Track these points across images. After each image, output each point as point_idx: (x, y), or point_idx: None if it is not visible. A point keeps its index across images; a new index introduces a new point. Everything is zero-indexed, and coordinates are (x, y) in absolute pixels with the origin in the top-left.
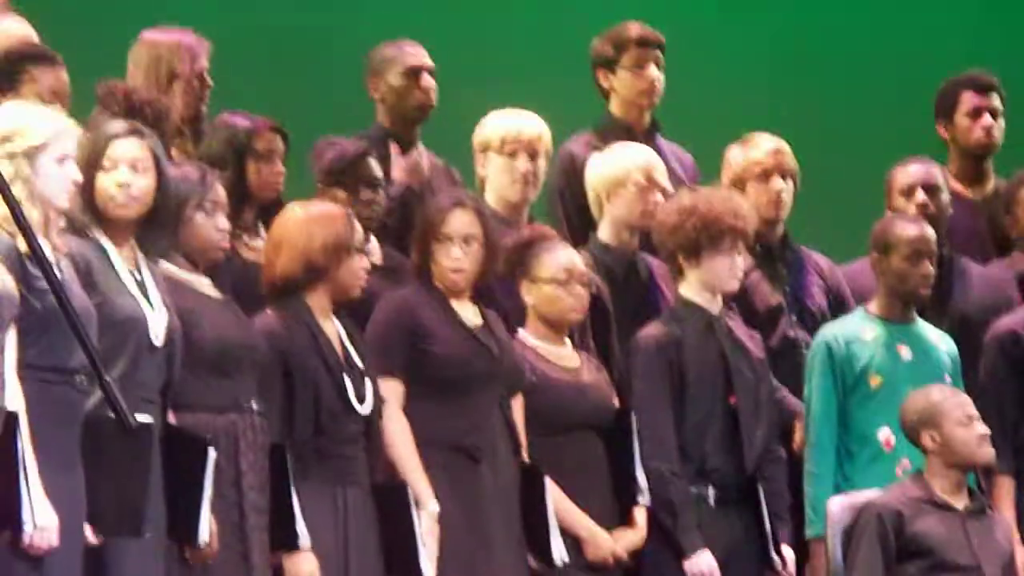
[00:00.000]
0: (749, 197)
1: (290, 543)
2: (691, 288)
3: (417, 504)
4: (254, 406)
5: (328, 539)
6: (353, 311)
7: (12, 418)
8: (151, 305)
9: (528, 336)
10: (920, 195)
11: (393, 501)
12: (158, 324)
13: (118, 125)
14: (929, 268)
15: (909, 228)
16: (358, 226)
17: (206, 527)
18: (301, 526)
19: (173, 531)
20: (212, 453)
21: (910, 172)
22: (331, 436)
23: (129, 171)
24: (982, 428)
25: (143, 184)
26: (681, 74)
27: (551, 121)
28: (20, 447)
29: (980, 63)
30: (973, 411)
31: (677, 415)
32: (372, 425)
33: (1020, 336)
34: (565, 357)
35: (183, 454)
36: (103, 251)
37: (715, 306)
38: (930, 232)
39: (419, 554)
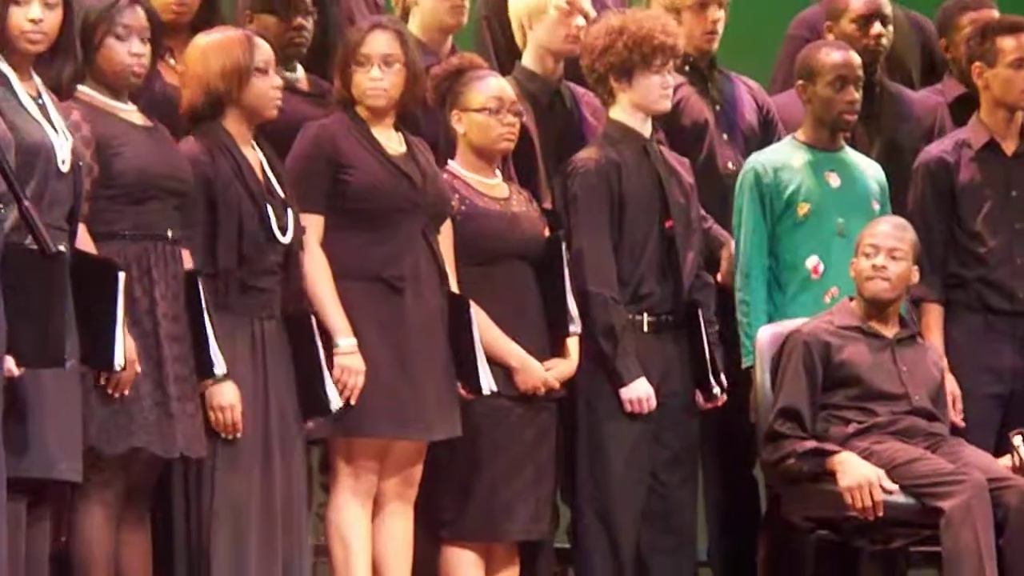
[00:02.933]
0: (683, 27)
1: (205, 371)
2: (623, 111)
3: (330, 337)
4: (169, 234)
5: (247, 371)
6: (282, 138)
7: None
8: (55, 131)
9: (457, 167)
10: (877, 25)
11: (298, 331)
12: (63, 150)
13: None
14: (854, 94)
15: (833, 54)
16: (262, 47)
17: (121, 352)
18: (216, 354)
19: (88, 358)
20: (122, 277)
21: (866, 1)
22: (252, 266)
23: (42, 7)
24: (880, 261)
25: (53, 19)
26: None
27: None
28: None
29: None
30: (881, 243)
31: (614, 240)
32: (292, 256)
33: (948, 163)
34: (495, 187)
35: (93, 280)
36: (5, 78)
37: (646, 129)
38: (855, 58)
39: (324, 384)
